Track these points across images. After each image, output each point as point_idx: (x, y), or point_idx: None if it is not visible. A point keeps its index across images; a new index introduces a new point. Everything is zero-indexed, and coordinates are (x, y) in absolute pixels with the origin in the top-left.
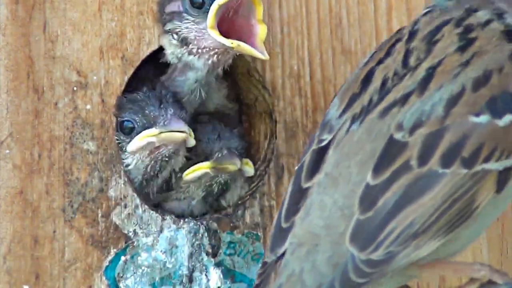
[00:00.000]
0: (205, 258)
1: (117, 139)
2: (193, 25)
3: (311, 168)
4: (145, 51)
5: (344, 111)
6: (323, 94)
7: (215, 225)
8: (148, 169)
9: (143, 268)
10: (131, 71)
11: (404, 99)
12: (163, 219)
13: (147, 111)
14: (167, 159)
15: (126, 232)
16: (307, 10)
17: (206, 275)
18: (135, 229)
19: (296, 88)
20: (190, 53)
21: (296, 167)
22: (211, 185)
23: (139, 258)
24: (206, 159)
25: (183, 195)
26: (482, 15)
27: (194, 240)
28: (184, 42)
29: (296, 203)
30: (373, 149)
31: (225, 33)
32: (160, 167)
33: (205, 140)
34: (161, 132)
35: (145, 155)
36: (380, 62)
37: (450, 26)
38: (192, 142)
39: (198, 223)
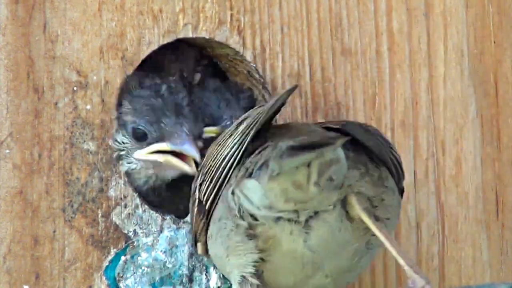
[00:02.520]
0: (205, 258)
1: (122, 141)
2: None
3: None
4: (145, 51)
5: None
6: (323, 94)
7: None
8: (147, 180)
9: (143, 268)
10: (131, 71)
11: None
12: (163, 219)
13: (162, 124)
14: (168, 179)
15: (126, 232)
16: (307, 10)
17: (206, 275)
18: (135, 229)
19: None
20: None
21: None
22: None
23: (139, 258)
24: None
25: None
26: None
27: None
28: None
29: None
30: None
31: None
32: (154, 181)
33: (215, 105)
34: (172, 151)
35: (149, 167)
36: None
37: None
38: (192, 170)
39: None
